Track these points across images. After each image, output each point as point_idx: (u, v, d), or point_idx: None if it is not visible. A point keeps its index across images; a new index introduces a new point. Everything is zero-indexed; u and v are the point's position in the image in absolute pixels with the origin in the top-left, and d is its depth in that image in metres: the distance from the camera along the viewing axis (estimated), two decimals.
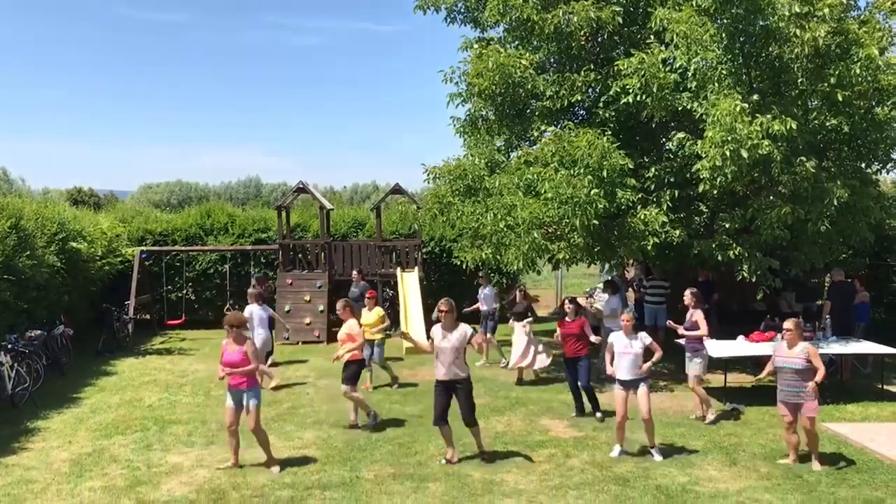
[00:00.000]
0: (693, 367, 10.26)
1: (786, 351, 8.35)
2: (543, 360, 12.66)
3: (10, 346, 11.54)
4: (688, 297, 10.55)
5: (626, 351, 8.76)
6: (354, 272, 15.32)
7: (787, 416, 8.36)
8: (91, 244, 15.96)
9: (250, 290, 13.37)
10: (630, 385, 8.74)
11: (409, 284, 16.74)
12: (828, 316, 12.62)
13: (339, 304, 10.12)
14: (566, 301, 10.80)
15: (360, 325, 10.33)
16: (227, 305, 17.84)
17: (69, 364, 13.74)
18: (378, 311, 12.24)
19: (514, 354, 12.61)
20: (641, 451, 8.88)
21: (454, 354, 8.38)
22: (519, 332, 12.67)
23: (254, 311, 12.75)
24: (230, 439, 8.42)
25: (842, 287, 13.28)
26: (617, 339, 8.89)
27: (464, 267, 14.38)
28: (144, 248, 18.55)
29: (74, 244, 15.01)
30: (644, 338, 8.86)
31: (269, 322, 13.26)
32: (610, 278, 15.72)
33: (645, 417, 8.67)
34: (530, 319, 12.84)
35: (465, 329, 8.47)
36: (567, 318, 10.58)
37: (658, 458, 8.64)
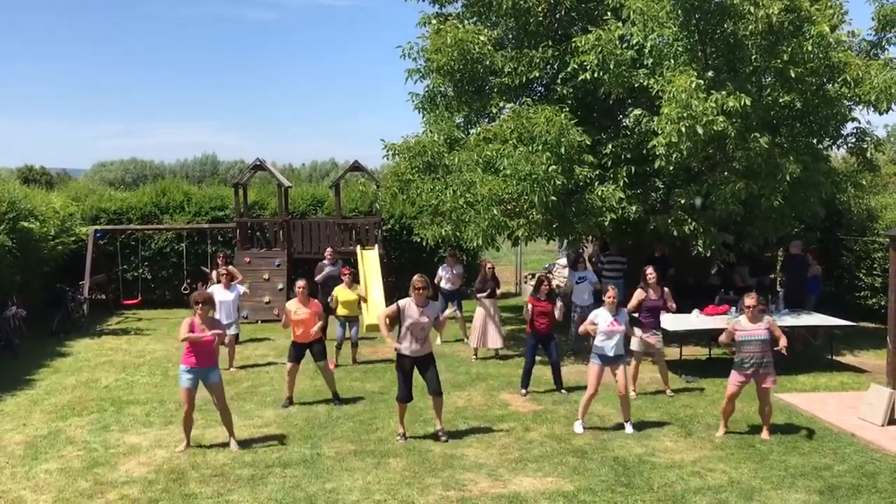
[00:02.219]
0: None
1: (750, 325, 8.47)
2: (497, 340, 12.70)
3: None
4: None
5: (614, 329, 8.73)
6: (329, 250, 14.99)
7: (738, 386, 8.52)
8: (43, 223, 15.62)
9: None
10: (612, 361, 8.78)
11: (370, 262, 16.70)
12: (780, 289, 12.89)
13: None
14: (545, 280, 10.59)
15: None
16: (185, 285, 17.64)
17: (22, 345, 13.47)
18: (357, 289, 12.67)
19: (475, 333, 12.70)
20: (602, 423, 9.02)
21: (428, 330, 8.49)
22: (482, 309, 12.72)
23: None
24: (189, 421, 8.35)
25: (796, 260, 13.57)
26: (602, 316, 8.83)
27: (424, 244, 14.39)
28: (98, 227, 18.21)
29: (26, 224, 14.67)
30: (625, 314, 9.01)
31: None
32: (569, 253, 15.86)
33: (623, 393, 8.80)
34: (499, 294, 12.88)
35: (437, 305, 8.60)
36: (540, 297, 10.41)
37: (630, 430, 8.75)
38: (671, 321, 11.74)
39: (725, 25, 11.82)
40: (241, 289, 12.55)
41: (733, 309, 12.37)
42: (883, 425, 8.76)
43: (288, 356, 10.12)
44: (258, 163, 18.18)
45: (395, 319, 8.50)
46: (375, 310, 14.70)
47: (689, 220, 12.06)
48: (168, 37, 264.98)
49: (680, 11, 11.50)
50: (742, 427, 8.89)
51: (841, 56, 11.97)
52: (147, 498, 7.03)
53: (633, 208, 12.11)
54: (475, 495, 7.04)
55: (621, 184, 12.15)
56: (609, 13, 12.26)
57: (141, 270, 18.61)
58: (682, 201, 12.16)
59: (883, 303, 14.44)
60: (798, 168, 11.64)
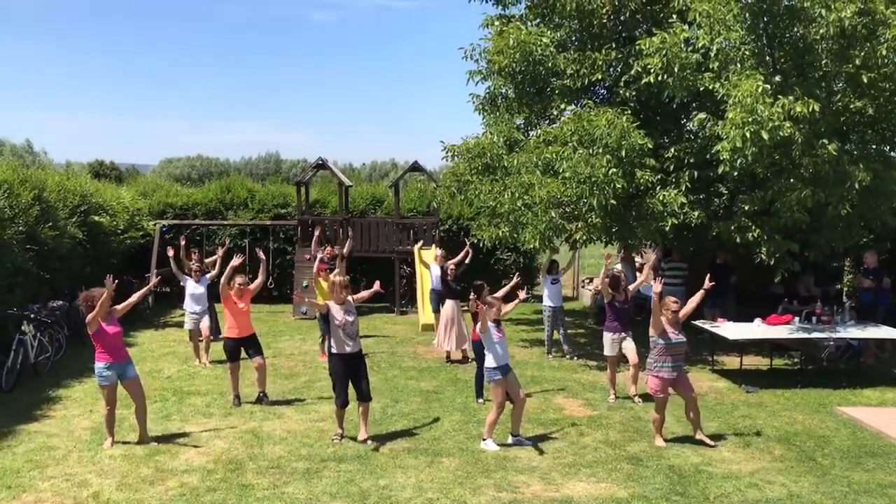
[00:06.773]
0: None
1: (675, 329, 8.37)
2: (453, 342, 12.49)
3: (32, 315, 11.71)
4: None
5: (502, 336, 8.40)
6: (328, 249, 15.32)
7: (667, 395, 8.45)
8: (113, 217, 16.11)
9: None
10: (510, 370, 8.43)
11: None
12: (847, 300, 12.50)
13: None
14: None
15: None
16: (270, 279, 18.13)
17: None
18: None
19: (440, 335, 12.70)
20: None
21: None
22: (448, 311, 12.60)
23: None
24: (113, 419, 8.46)
25: (876, 272, 13.18)
26: (491, 326, 8.30)
27: (481, 245, 14.41)
28: (165, 221, 18.71)
29: (97, 217, 15.16)
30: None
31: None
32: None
33: (522, 401, 8.55)
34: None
35: None
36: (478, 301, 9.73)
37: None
38: (733, 330, 11.53)
39: (795, 29, 11.54)
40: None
41: (797, 319, 12.09)
42: None
43: (228, 356, 10.08)
44: (320, 162, 18.45)
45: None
46: (431, 310, 14.77)
47: (753, 228, 11.82)
48: (235, 37, 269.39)
49: (747, 15, 11.27)
50: (803, 440, 8.68)
51: None
52: (206, 487, 7.20)
53: (696, 214, 11.92)
54: (527, 498, 7.03)
55: (683, 189, 11.98)
56: (674, 16, 12.08)
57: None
58: (746, 208, 11.92)
59: None
60: (868, 176, 11.30)
